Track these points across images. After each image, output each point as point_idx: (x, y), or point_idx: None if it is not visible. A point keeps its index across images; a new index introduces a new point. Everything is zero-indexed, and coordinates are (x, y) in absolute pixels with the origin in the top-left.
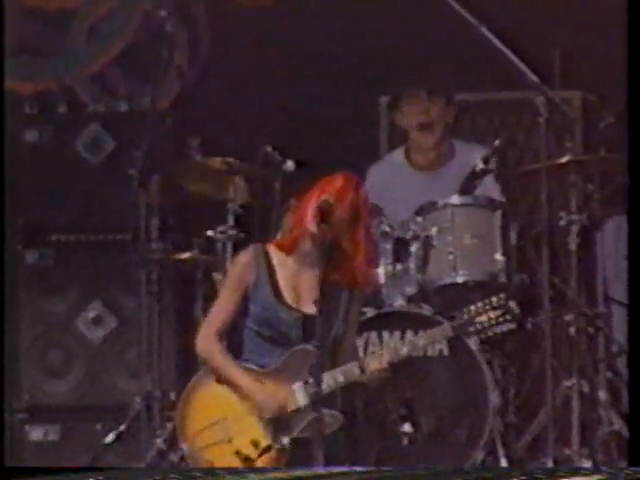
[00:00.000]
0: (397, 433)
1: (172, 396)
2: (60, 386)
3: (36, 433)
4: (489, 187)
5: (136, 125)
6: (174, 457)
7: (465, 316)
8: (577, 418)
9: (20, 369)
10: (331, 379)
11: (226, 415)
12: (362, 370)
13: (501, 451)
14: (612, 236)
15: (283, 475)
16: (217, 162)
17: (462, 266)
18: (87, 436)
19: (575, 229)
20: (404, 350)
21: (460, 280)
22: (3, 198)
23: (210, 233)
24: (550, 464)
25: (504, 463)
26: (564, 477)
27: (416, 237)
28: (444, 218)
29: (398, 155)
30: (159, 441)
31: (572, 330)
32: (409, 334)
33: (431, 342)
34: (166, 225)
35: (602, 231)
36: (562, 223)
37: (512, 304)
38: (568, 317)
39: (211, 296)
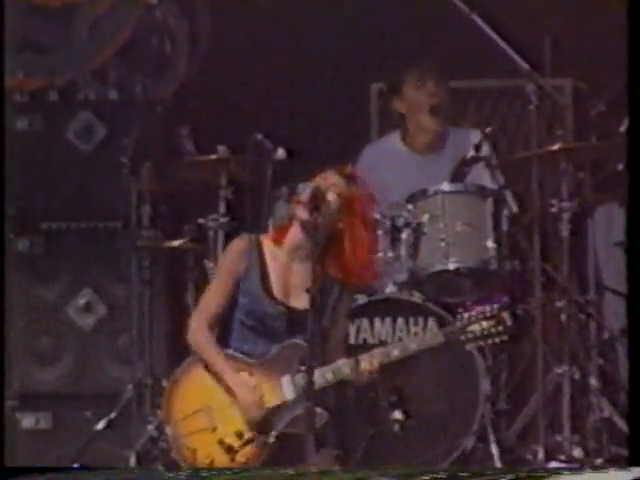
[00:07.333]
0: (388, 420)
1: (163, 383)
2: (51, 373)
3: (27, 421)
4: (480, 174)
5: (127, 113)
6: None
7: (458, 324)
8: (568, 405)
9: (11, 357)
10: (321, 377)
11: (211, 403)
12: (352, 370)
13: (492, 438)
14: (603, 223)
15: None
16: (208, 150)
17: (453, 253)
18: (78, 423)
19: (566, 216)
20: (395, 353)
21: (451, 267)
22: None
23: (201, 221)
24: (541, 451)
25: (495, 450)
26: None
27: (407, 224)
28: (435, 205)
29: (394, 138)
30: (150, 428)
31: (563, 317)
32: (400, 321)
33: (423, 347)
34: (157, 212)
35: (593, 218)
36: (553, 210)
37: (505, 315)
38: (559, 304)
39: (202, 283)
